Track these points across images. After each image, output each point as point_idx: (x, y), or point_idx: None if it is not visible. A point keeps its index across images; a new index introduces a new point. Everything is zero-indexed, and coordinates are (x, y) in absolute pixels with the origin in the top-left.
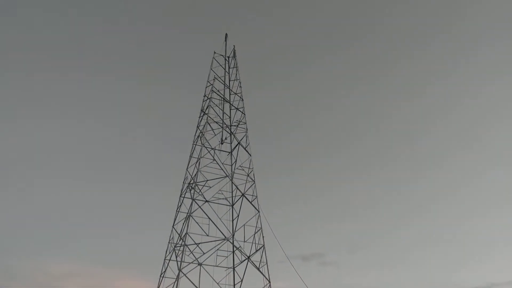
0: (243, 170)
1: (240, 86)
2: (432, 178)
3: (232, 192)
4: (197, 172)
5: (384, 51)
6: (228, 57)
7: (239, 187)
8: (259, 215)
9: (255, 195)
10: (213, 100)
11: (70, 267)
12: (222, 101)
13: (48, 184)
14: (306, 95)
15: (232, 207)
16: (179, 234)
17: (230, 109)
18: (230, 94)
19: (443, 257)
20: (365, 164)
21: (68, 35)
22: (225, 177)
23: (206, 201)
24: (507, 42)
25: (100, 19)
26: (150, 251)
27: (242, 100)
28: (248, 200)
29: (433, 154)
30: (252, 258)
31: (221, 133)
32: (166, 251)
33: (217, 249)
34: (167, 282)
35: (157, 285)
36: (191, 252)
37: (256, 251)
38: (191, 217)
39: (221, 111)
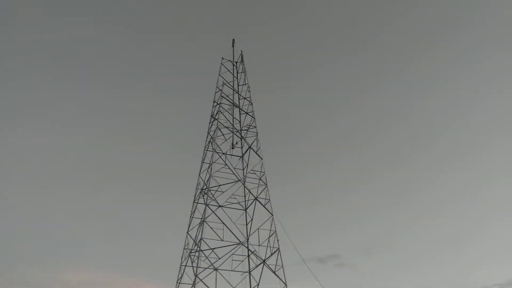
0: (255, 174)
1: (249, 91)
2: (450, 178)
3: (245, 196)
4: (209, 177)
5: (394, 53)
6: (236, 62)
7: (251, 191)
8: (272, 218)
9: (268, 198)
10: (222, 105)
11: (87, 276)
12: (232, 106)
13: (63, 191)
14: (316, 96)
15: (246, 211)
16: (194, 240)
17: (240, 114)
18: (239, 99)
19: (462, 257)
20: (380, 165)
21: (77, 41)
22: (237, 181)
23: (220, 206)
24: None
25: (109, 26)
26: (165, 258)
27: (252, 104)
28: (261, 204)
29: (451, 153)
30: (268, 262)
31: (231, 138)
32: (182, 257)
33: (232, 254)
34: None
35: None
36: (207, 257)
37: (271, 254)
38: (205, 223)
39: (231, 116)
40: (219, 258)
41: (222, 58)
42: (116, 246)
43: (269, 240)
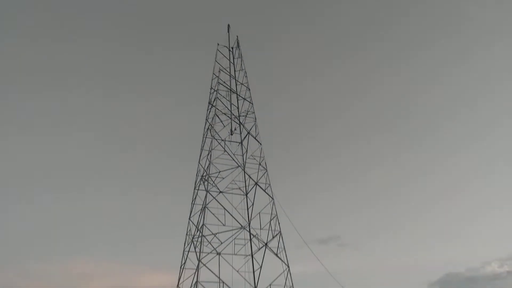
0: (254, 159)
1: (246, 76)
2: (454, 163)
3: (245, 181)
4: (209, 164)
5: (393, 53)
6: (232, 47)
7: (252, 176)
8: (273, 202)
9: (268, 183)
10: (220, 92)
11: (89, 266)
12: (229, 92)
13: (65, 184)
14: (316, 85)
15: (246, 196)
16: (196, 226)
17: (238, 100)
18: (236, 85)
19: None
20: (381, 152)
21: (69, 39)
22: (237, 167)
23: (220, 192)
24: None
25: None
26: (168, 245)
27: (249, 89)
28: (262, 188)
29: (457, 138)
30: (270, 245)
31: (230, 124)
32: (185, 243)
33: (235, 238)
34: (187, 273)
35: (177, 277)
36: (209, 242)
37: (273, 237)
38: (206, 209)
39: (228, 102)
40: (222, 243)
41: (218, 44)
42: (118, 237)
43: (270, 223)
